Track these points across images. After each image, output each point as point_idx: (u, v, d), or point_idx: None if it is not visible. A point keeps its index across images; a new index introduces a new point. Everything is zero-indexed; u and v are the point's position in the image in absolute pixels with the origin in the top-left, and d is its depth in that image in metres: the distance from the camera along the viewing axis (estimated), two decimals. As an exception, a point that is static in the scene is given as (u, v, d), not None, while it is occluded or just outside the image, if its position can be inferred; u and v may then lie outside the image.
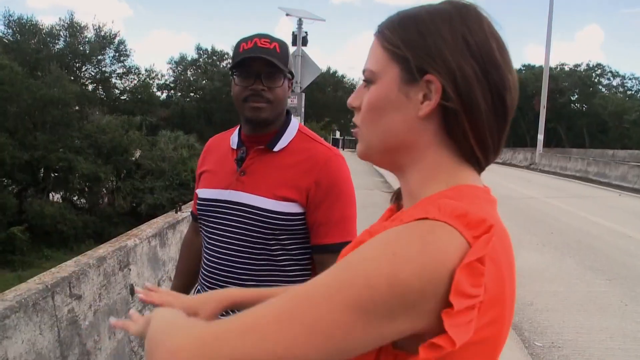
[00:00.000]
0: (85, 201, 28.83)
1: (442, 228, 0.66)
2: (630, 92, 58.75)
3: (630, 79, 59.83)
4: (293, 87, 1.88)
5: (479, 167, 0.81)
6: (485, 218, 0.67)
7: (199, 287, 1.81)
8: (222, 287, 1.66)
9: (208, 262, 1.74)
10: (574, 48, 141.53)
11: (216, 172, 1.77)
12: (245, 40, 1.67)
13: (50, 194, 28.10)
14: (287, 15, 17.05)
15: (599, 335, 4.84)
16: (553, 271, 6.84)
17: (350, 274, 0.65)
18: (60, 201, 27.69)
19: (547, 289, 6.16)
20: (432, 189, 0.78)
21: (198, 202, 1.80)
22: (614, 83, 60.29)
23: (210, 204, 1.74)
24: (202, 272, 1.78)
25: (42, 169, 28.02)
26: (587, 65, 60.37)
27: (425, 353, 0.65)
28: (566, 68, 58.38)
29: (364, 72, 0.84)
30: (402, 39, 0.78)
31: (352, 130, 0.87)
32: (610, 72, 60.18)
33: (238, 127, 1.81)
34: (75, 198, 28.98)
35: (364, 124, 0.83)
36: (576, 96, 58.78)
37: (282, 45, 1.68)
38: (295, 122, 1.78)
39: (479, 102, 0.75)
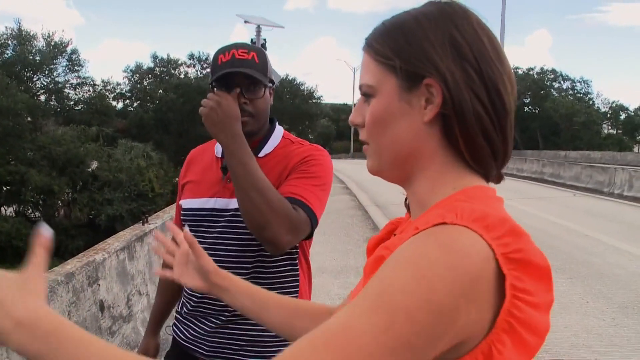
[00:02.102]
0: (40, 214, 28.01)
1: (463, 233, 0.66)
2: (579, 95, 60.59)
3: (579, 82, 61.80)
4: None
5: (484, 171, 0.79)
6: (505, 218, 0.68)
7: (184, 300, 1.77)
8: (213, 296, 1.64)
9: None
10: (525, 52, 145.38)
11: (200, 181, 1.74)
12: (222, 51, 1.63)
13: (2, 208, 27.21)
14: (245, 22, 17.02)
15: (564, 332, 4.96)
16: (516, 271, 6.97)
17: (390, 311, 0.63)
18: (14, 215, 26.85)
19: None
20: (441, 195, 0.77)
21: (183, 212, 1.76)
22: (564, 86, 62.17)
23: (196, 214, 1.71)
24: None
25: (-7, 183, 27.12)
26: (541, 69, 62.10)
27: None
28: (519, 72, 59.86)
29: (360, 87, 0.83)
30: (391, 48, 0.78)
31: (363, 148, 0.86)
32: (561, 75, 62.03)
33: None
34: (29, 212, 28.15)
35: (372, 138, 0.82)
36: (529, 99, 60.33)
37: (260, 53, 1.66)
38: (280, 129, 1.77)
39: (469, 105, 0.74)
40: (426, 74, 0.75)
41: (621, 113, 62.07)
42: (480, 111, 0.74)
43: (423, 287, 0.63)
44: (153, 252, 4.18)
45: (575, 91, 61.54)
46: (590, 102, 60.27)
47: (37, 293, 0.69)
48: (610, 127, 63.14)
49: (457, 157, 0.78)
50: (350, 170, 26.96)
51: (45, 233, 0.75)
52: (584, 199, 16.12)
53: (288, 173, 1.63)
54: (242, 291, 1.13)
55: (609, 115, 62.11)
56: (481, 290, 0.65)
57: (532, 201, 14.80)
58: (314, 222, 1.58)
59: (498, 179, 0.83)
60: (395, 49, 0.78)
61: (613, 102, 62.48)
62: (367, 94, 0.82)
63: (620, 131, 61.47)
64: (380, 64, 0.79)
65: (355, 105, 0.86)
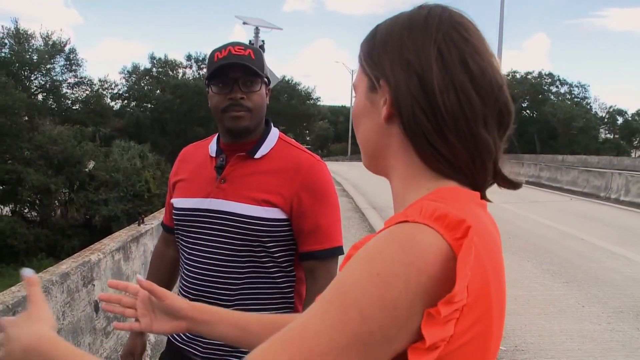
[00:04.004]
0: (36, 214, 27.95)
1: (423, 231, 0.66)
2: (577, 100, 60.76)
3: (577, 86, 61.96)
4: None
5: (446, 174, 0.78)
6: (464, 219, 0.67)
7: None
8: (207, 298, 1.64)
9: (190, 274, 1.69)
10: (523, 56, 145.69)
11: (193, 180, 1.73)
12: (219, 49, 1.66)
13: (-1, 207, 27.14)
14: (244, 23, 17.00)
15: (560, 337, 4.97)
16: (513, 276, 6.98)
17: (343, 308, 0.64)
18: (10, 214, 26.78)
19: (508, 293, 6.11)
20: (415, 195, 0.78)
21: (175, 212, 1.75)
22: (562, 91, 62.29)
23: (189, 214, 1.70)
24: (182, 285, 1.73)
25: (-11, 182, 27.06)
26: (539, 73, 62.18)
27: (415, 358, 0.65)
28: (517, 76, 59.97)
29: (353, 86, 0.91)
30: (364, 51, 0.85)
31: None
32: (559, 80, 62.16)
33: (216, 136, 1.78)
34: (25, 211, 28.08)
35: (355, 133, 0.89)
36: (527, 103, 60.44)
37: (257, 51, 1.69)
38: (276, 131, 1.76)
39: (409, 109, 0.76)
40: (380, 76, 0.80)
41: (618, 118, 62.32)
42: (420, 115, 0.75)
43: (376, 284, 0.64)
44: (148, 253, 4.16)
45: (573, 95, 61.70)
46: (588, 107, 60.49)
47: (41, 320, 0.85)
48: (607, 132, 63.34)
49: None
50: (347, 173, 26.98)
51: (29, 274, 0.88)
52: (581, 204, 16.15)
53: (300, 186, 1.63)
54: (223, 319, 1.08)
55: (606, 120, 62.29)
56: (439, 291, 0.64)
57: (528, 205, 14.82)
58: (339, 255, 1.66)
59: (509, 185, 0.83)
60: (366, 51, 0.84)
61: (610, 107, 62.77)
62: (355, 92, 0.88)
63: (617, 136, 61.63)
64: (359, 65, 0.86)
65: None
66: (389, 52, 0.80)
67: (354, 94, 0.90)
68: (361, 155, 0.90)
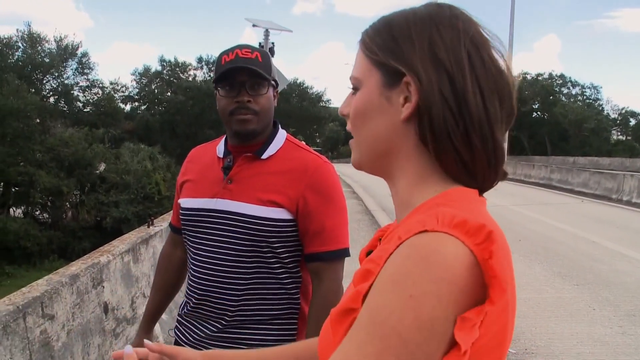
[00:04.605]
0: (48, 216, 28.17)
1: (445, 241, 0.65)
2: (589, 101, 60.36)
3: (588, 88, 61.56)
4: None
5: (457, 176, 0.78)
6: (484, 223, 0.67)
7: (185, 299, 1.77)
8: (213, 298, 1.65)
9: (196, 274, 1.70)
10: (534, 58, 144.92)
11: (201, 181, 1.74)
12: (226, 52, 1.67)
13: (11, 209, 27.36)
14: (253, 26, 17.06)
15: (570, 340, 4.93)
16: (523, 278, 6.94)
17: (382, 337, 0.64)
18: (22, 216, 26.99)
19: (519, 296, 6.10)
20: (422, 197, 0.77)
21: (182, 212, 1.76)
22: (573, 92, 61.91)
23: (196, 214, 1.70)
24: (189, 285, 1.74)
25: (2, 184, 27.30)
26: (550, 74, 61.85)
27: None
28: (528, 77, 59.67)
29: (350, 79, 0.85)
30: (378, 44, 0.80)
31: (349, 142, 0.87)
32: (570, 81, 61.79)
33: (224, 138, 1.79)
34: (37, 213, 28.30)
35: (353, 130, 0.84)
36: (538, 105, 60.10)
37: (264, 54, 1.69)
38: (283, 132, 1.77)
39: (439, 109, 0.74)
40: (405, 72, 0.76)
41: (631, 119, 61.78)
42: (448, 117, 0.74)
43: (411, 306, 0.63)
44: (157, 255, 4.19)
45: (585, 97, 61.30)
46: (600, 108, 60.04)
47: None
48: (620, 134, 62.84)
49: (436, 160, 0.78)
50: (357, 175, 26.93)
51: (129, 351, 0.97)
52: (592, 206, 16.03)
53: (306, 186, 1.63)
54: None
55: (618, 122, 61.82)
56: (467, 299, 0.65)
57: (539, 207, 14.72)
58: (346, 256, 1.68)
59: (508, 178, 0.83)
60: (382, 45, 0.79)
61: (623, 108, 62.32)
62: (355, 86, 0.83)
63: (630, 137, 61.12)
64: (367, 58, 0.81)
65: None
66: (417, 48, 0.76)
67: (350, 86, 0.86)
68: (356, 154, 0.85)
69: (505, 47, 0.80)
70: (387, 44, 0.79)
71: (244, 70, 1.62)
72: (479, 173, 0.77)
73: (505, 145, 0.88)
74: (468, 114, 0.74)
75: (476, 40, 0.77)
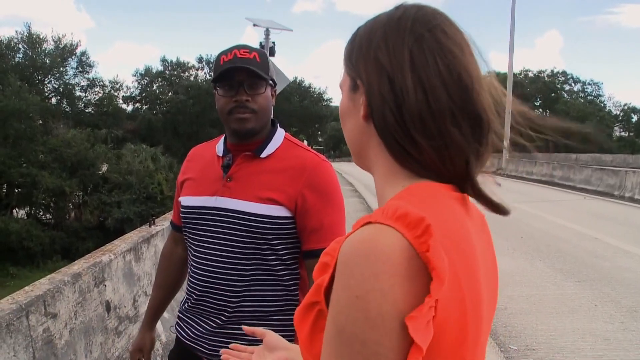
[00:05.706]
0: (51, 216, 28.24)
1: (383, 232, 0.67)
2: (590, 98, 60.28)
3: (590, 84, 61.45)
4: None
5: (419, 169, 0.79)
6: (424, 217, 0.67)
7: (186, 295, 1.79)
8: (213, 295, 1.67)
9: (197, 271, 1.72)
10: (535, 54, 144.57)
11: (200, 179, 1.76)
12: (224, 52, 1.69)
13: (14, 210, 27.42)
14: (254, 25, 17.05)
15: (571, 336, 4.93)
16: (525, 275, 6.95)
17: (347, 343, 0.66)
18: (25, 217, 27.06)
19: (520, 292, 6.26)
20: (393, 191, 0.79)
21: (182, 210, 1.78)
22: (575, 89, 61.81)
23: (196, 212, 1.72)
24: (190, 282, 1.76)
25: (5, 185, 27.36)
26: (552, 71, 61.73)
27: None
28: (530, 74, 59.56)
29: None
30: (345, 54, 0.88)
31: None
32: (572, 78, 61.68)
33: (223, 136, 1.81)
34: (40, 213, 28.37)
35: (343, 131, 0.91)
36: (539, 102, 59.99)
37: (262, 54, 1.71)
38: (282, 131, 1.79)
39: (380, 110, 0.78)
40: (357, 77, 0.83)
41: (633, 115, 61.67)
42: (388, 115, 0.77)
43: (359, 307, 0.65)
44: (159, 254, 4.21)
45: (587, 93, 61.26)
46: (602, 105, 59.93)
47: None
48: (622, 130, 62.72)
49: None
50: (359, 174, 26.95)
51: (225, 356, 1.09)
52: (594, 202, 16.01)
53: (304, 184, 1.65)
54: None
55: (620, 118, 61.70)
56: (419, 288, 0.65)
57: (541, 204, 14.72)
58: None
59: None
60: (346, 54, 0.87)
61: (625, 105, 62.21)
62: (341, 91, 0.90)
63: (632, 134, 61.01)
64: (343, 65, 0.89)
65: None
66: (364, 53, 0.82)
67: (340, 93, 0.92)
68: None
69: (475, 43, 0.81)
70: (347, 53, 0.86)
71: (242, 70, 1.64)
72: (433, 167, 0.78)
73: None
74: (408, 112, 0.76)
75: (425, 40, 0.78)
